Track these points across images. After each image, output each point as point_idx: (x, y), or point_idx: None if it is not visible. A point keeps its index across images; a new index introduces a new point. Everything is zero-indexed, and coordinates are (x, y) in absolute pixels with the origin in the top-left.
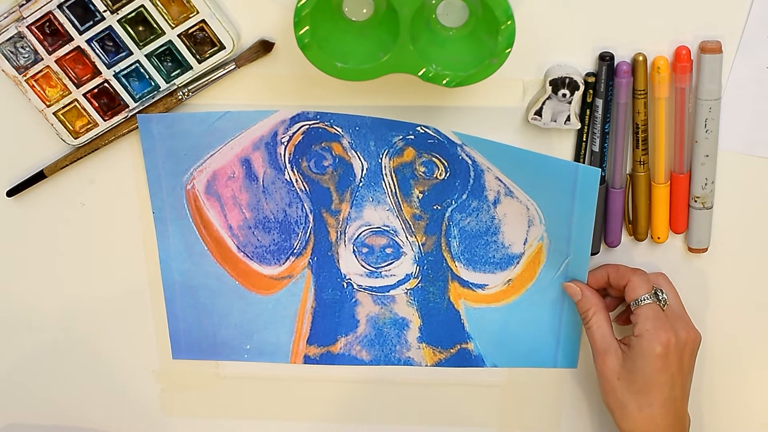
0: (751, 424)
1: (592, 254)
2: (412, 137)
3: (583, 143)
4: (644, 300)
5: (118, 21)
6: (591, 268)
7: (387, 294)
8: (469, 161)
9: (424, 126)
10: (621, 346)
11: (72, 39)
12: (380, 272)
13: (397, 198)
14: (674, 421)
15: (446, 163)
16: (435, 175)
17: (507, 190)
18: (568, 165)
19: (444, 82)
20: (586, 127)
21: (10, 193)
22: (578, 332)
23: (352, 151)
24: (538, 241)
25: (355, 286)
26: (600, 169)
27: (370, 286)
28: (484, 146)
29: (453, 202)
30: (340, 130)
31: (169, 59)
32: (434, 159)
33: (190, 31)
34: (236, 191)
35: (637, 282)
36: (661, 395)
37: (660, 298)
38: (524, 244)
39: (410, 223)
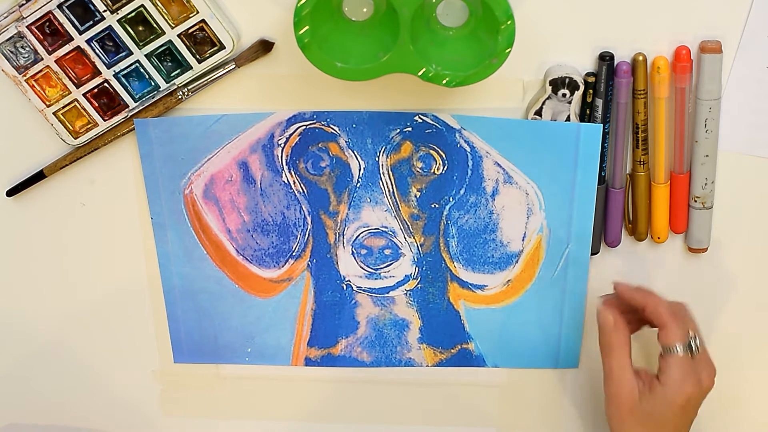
0: (751, 424)
1: (593, 253)
2: (410, 129)
3: None
4: (676, 350)
5: (118, 21)
6: (635, 287)
7: (386, 295)
8: (468, 148)
9: (422, 114)
10: (639, 385)
11: (72, 39)
12: (379, 273)
13: (394, 197)
14: None
15: (444, 155)
16: (432, 170)
17: (506, 177)
18: (569, 127)
19: (444, 82)
20: None
21: (10, 193)
22: (579, 332)
23: (349, 150)
24: (537, 234)
25: (354, 288)
26: (602, 125)
27: (370, 288)
28: (484, 125)
29: (451, 199)
30: (336, 129)
31: (169, 59)
32: (432, 152)
33: (190, 31)
34: (234, 195)
35: (674, 330)
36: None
37: (693, 348)
38: (523, 240)
39: (408, 223)
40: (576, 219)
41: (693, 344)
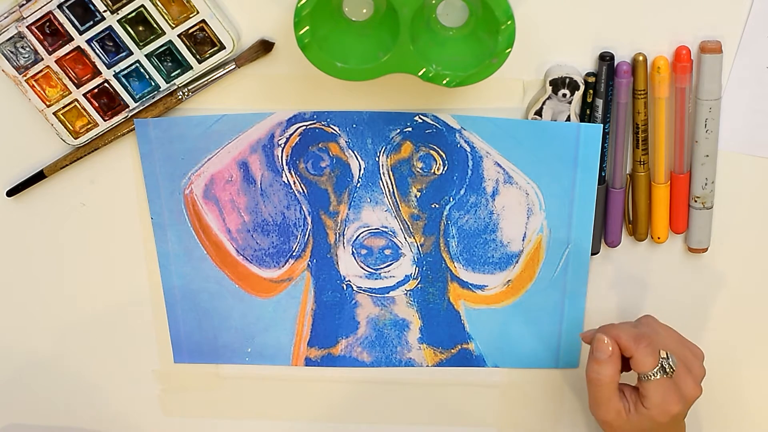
0: (750, 425)
1: (593, 254)
2: (410, 129)
3: None
4: (653, 376)
5: (118, 21)
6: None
7: (387, 295)
8: (468, 148)
9: (422, 114)
10: (625, 405)
11: (72, 39)
12: (379, 274)
13: (394, 197)
14: None
15: (444, 155)
16: (432, 170)
17: (506, 177)
18: (569, 127)
19: (444, 82)
20: None
21: (10, 193)
22: (579, 331)
23: (349, 150)
24: (537, 235)
25: (354, 288)
26: (602, 125)
27: (370, 288)
28: (484, 125)
29: (451, 199)
30: (337, 129)
31: (169, 59)
32: (432, 152)
33: (190, 31)
34: (234, 195)
35: (642, 358)
36: None
37: (667, 369)
38: (523, 239)
39: (408, 223)
40: (576, 219)
41: (666, 365)
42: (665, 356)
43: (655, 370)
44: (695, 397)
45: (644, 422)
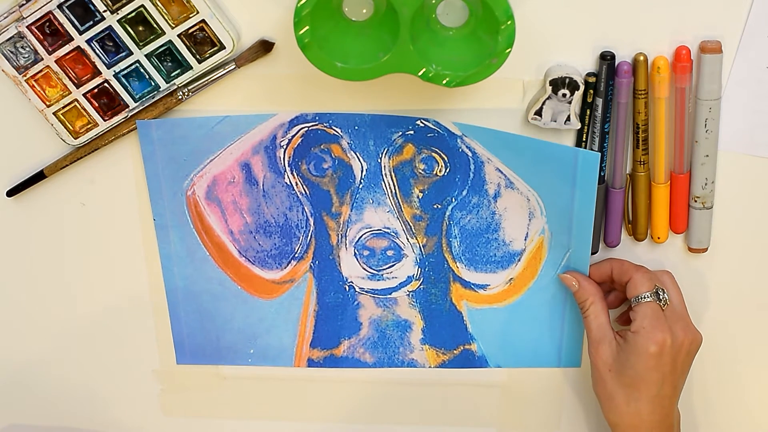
0: (749, 425)
1: (592, 253)
2: (412, 132)
3: (583, 143)
4: (644, 298)
5: (118, 21)
6: (595, 262)
7: (389, 296)
8: (469, 153)
9: (423, 119)
10: (616, 338)
11: (72, 39)
12: (382, 275)
13: (397, 199)
14: (661, 418)
15: (446, 158)
16: (435, 172)
17: (507, 182)
18: (567, 150)
19: (444, 82)
20: (586, 127)
21: (10, 193)
22: (581, 330)
23: (352, 152)
24: (539, 235)
25: (357, 289)
26: (599, 153)
27: (372, 289)
28: (484, 135)
29: (453, 200)
30: (339, 131)
31: (169, 59)
32: (434, 154)
33: (190, 31)
34: (236, 196)
35: (639, 279)
36: (649, 392)
37: (661, 297)
38: (525, 239)
39: (411, 224)
40: (576, 230)
41: (661, 294)
42: (662, 289)
43: (649, 293)
44: (689, 340)
45: (630, 356)
